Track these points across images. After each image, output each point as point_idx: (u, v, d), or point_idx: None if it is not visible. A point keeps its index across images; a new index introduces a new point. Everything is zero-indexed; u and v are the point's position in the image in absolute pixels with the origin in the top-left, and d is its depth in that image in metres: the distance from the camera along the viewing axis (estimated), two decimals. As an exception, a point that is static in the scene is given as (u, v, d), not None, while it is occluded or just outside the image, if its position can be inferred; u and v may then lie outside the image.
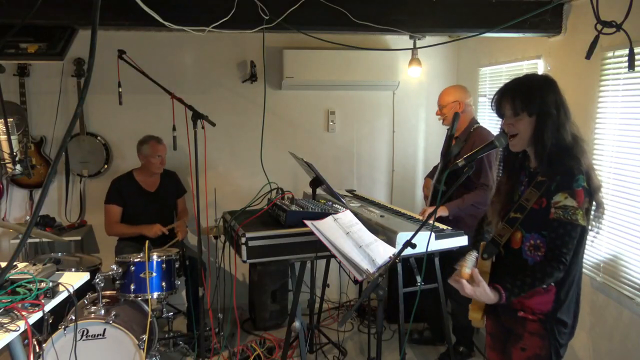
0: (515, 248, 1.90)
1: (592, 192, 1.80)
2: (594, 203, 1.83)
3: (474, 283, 1.79)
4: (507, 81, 1.94)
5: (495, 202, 2.05)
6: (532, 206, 1.84)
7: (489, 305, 1.96)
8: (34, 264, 1.92)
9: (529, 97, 1.84)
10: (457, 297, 3.40)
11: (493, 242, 1.94)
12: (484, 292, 1.78)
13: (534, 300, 1.88)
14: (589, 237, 1.88)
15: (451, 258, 3.05)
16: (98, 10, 1.25)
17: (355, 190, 4.00)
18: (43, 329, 2.65)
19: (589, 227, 1.85)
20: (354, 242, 2.35)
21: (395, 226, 2.76)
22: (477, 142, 3.17)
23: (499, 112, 1.93)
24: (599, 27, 2.36)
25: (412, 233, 2.01)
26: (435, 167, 3.75)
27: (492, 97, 1.95)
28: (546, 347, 1.88)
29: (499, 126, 2.03)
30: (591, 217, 1.84)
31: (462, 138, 3.29)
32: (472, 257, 1.84)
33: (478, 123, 3.37)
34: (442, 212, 3.15)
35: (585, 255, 1.96)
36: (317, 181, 3.27)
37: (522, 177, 1.97)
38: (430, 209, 3.22)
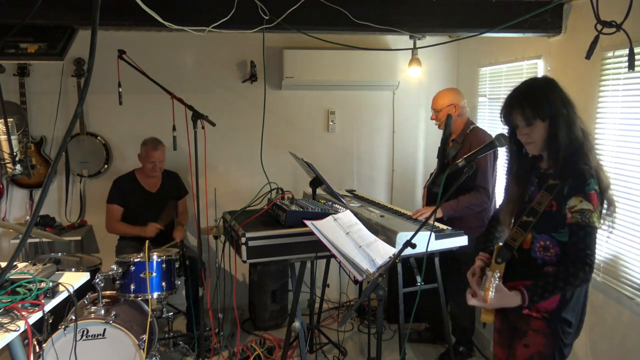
0: (525, 248, 1.93)
1: (603, 193, 1.82)
2: (605, 203, 1.85)
3: (496, 293, 1.80)
4: (510, 92, 1.93)
5: (507, 204, 2.06)
6: (543, 209, 1.86)
7: None
8: (34, 264, 1.92)
9: (537, 103, 1.85)
10: (456, 299, 3.40)
11: (506, 247, 1.96)
12: (507, 298, 1.79)
13: None
14: (603, 236, 1.93)
15: (451, 258, 3.07)
16: (98, 10, 1.25)
17: (355, 190, 4.00)
18: (43, 329, 2.67)
19: (602, 227, 1.87)
20: (354, 242, 2.35)
21: (395, 226, 2.76)
22: (473, 144, 3.17)
23: (509, 123, 1.93)
24: (599, 27, 2.36)
25: (412, 233, 2.01)
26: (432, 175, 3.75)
27: (500, 110, 1.94)
28: (550, 346, 1.90)
29: (499, 127, 2.03)
30: (603, 216, 1.86)
31: (459, 140, 3.29)
32: (496, 278, 1.79)
33: (474, 124, 3.37)
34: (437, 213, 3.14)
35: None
36: (317, 181, 3.27)
37: (532, 178, 1.98)
38: (424, 210, 3.20)
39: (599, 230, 1.83)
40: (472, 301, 1.83)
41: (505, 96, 1.94)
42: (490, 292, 1.75)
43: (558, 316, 1.89)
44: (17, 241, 3.88)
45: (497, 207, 3.36)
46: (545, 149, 1.90)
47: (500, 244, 2.04)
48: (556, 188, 1.83)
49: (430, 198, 3.42)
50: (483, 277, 1.87)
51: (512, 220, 2.03)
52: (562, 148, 1.83)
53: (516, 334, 2.01)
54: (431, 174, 3.78)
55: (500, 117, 1.95)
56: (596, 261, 2.64)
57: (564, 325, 1.89)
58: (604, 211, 1.86)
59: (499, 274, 1.83)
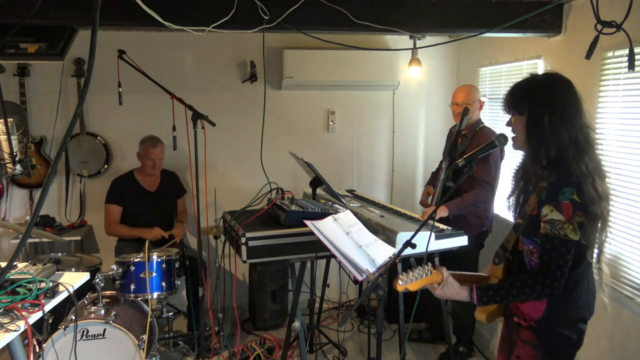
0: (520, 250, 1.88)
1: (585, 204, 1.66)
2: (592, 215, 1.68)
3: (444, 284, 1.79)
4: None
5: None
6: (530, 212, 1.80)
7: (502, 307, 1.96)
8: (34, 264, 1.92)
9: (519, 95, 1.80)
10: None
11: (502, 248, 1.93)
12: (453, 290, 1.78)
13: (526, 305, 1.83)
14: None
15: (451, 257, 3.07)
16: (98, 10, 1.26)
17: (355, 190, 4.00)
18: (43, 329, 2.67)
19: (588, 242, 1.72)
20: (354, 242, 2.35)
21: (395, 226, 2.76)
22: (482, 141, 3.17)
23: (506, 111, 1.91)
24: (599, 27, 2.36)
25: (412, 233, 2.01)
26: (434, 173, 3.76)
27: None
28: (540, 358, 1.82)
29: (499, 128, 2.02)
30: (591, 230, 1.70)
31: (469, 136, 3.31)
32: (421, 270, 1.75)
33: (483, 123, 3.39)
34: (442, 212, 3.15)
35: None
36: (317, 181, 3.27)
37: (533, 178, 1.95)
38: (431, 210, 3.21)
39: (583, 244, 1.70)
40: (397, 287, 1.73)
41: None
42: (399, 282, 1.70)
43: (547, 328, 1.80)
44: (17, 241, 3.88)
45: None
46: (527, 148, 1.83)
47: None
48: (542, 191, 1.75)
49: (443, 192, 3.42)
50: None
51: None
52: (539, 148, 1.73)
53: (512, 343, 1.96)
54: (433, 173, 3.78)
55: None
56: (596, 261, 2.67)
57: (557, 338, 1.80)
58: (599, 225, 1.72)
59: (428, 267, 1.78)
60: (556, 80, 1.80)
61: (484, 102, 3.40)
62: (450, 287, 1.79)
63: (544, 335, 1.81)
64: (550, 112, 1.72)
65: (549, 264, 1.69)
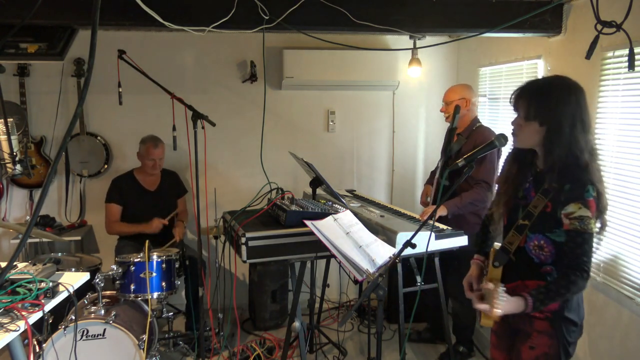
0: (520, 246, 1.92)
1: (599, 205, 1.79)
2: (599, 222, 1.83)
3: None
4: (532, 79, 1.93)
5: (501, 194, 2.03)
6: (539, 211, 1.85)
7: None
8: (34, 264, 1.92)
9: (545, 106, 1.81)
10: (459, 297, 3.40)
11: (503, 250, 1.95)
12: (512, 305, 1.79)
13: None
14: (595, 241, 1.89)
15: (452, 256, 3.08)
16: (98, 10, 1.26)
17: (355, 190, 4.01)
18: (43, 329, 2.67)
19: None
20: (354, 242, 2.35)
21: (395, 226, 2.76)
22: (478, 141, 3.18)
23: (516, 108, 1.91)
24: (599, 27, 2.36)
25: (412, 233, 2.01)
26: (433, 173, 3.76)
27: (514, 90, 1.91)
28: (555, 346, 1.90)
29: (499, 128, 2.01)
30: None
31: (464, 135, 3.30)
32: (502, 294, 1.77)
33: (480, 122, 3.38)
34: (442, 211, 3.15)
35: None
36: (317, 181, 3.27)
37: (529, 174, 1.97)
38: (431, 210, 3.22)
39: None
40: (481, 306, 1.81)
41: (509, 95, 1.93)
42: (497, 311, 1.73)
43: (561, 316, 1.89)
44: (17, 241, 3.88)
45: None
46: (541, 150, 1.88)
47: (496, 246, 2.03)
48: (552, 191, 1.82)
49: (440, 192, 3.42)
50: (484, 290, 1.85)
51: (505, 218, 2.01)
52: (556, 159, 1.81)
53: (518, 336, 2.00)
54: (432, 172, 3.79)
55: (510, 98, 1.92)
56: (596, 261, 2.68)
57: (569, 325, 1.90)
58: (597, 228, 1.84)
59: (504, 288, 1.79)
60: (573, 88, 1.84)
61: (470, 100, 3.33)
62: (510, 302, 1.79)
63: (559, 324, 1.89)
64: (571, 127, 1.79)
65: (582, 256, 1.79)
